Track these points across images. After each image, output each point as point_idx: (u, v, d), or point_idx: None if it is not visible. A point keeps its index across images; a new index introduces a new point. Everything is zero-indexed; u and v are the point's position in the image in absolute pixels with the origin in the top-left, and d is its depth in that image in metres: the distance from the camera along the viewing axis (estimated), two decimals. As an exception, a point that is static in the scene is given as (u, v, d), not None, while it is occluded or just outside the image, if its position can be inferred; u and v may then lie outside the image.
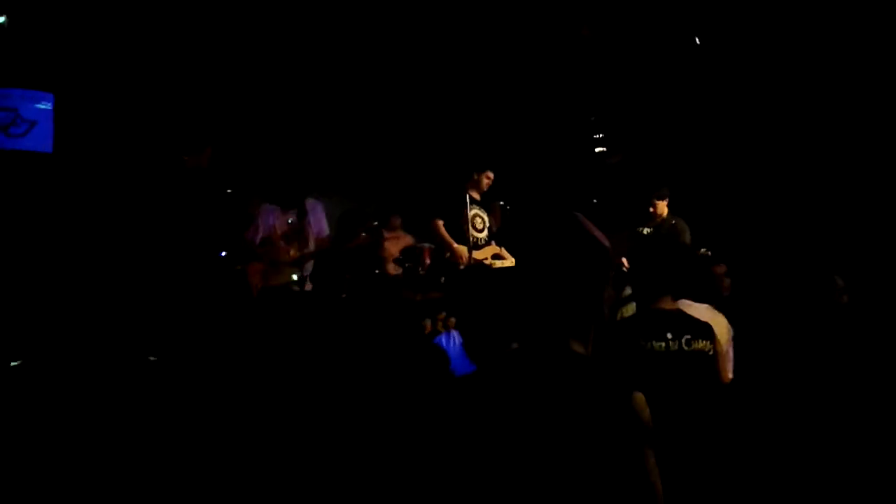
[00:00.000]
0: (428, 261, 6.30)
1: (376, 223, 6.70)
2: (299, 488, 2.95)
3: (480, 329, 3.93)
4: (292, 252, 5.78)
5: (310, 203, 5.90)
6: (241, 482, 3.08)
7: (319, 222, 5.98)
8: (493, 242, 6.25)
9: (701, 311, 3.33)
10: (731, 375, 3.61)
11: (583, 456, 1.45)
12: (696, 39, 6.39)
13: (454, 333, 3.96)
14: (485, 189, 6.23)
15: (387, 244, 7.11)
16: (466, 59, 6.70)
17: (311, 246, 5.82)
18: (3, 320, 4.59)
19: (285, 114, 6.64)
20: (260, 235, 5.81)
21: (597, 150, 6.91)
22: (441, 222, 6.19)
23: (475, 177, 6.17)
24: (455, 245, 6.12)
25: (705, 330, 3.00)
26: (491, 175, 6.19)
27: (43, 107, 5.08)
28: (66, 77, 5.23)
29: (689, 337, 2.94)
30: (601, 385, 1.54)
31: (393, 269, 6.93)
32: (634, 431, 1.49)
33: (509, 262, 6.11)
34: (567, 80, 6.90)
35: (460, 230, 6.19)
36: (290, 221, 5.82)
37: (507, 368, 1.62)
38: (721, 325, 3.48)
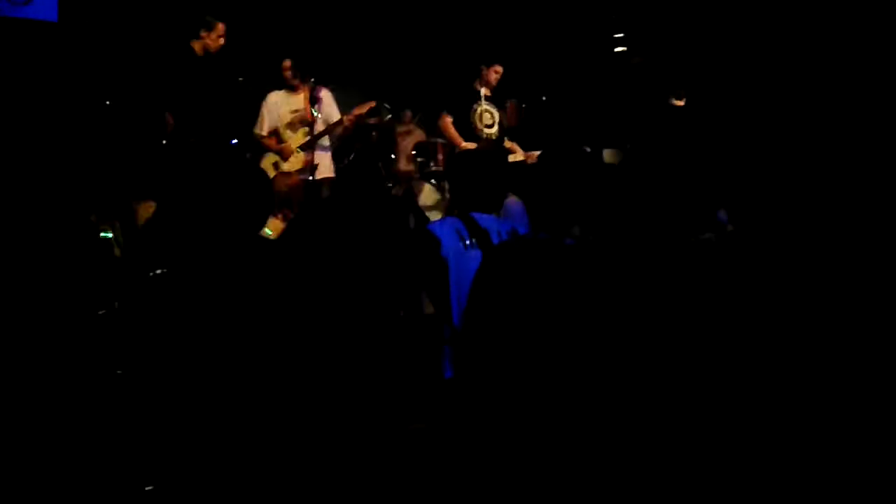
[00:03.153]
0: (441, 156, 6.32)
1: (389, 117, 6.73)
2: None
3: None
4: (299, 138, 5.86)
5: (320, 91, 5.91)
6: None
7: (330, 109, 6.00)
8: (505, 139, 6.22)
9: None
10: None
11: None
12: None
13: (450, 219, 3.99)
14: (494, 84, 6.15)
15: (400, 139, 7.15)
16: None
17: (320, 126, 5.87)
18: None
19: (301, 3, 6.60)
20: (266, 127, 5.91)
21: (616, 49, 6.74)
22: (450, 119, 6.17)
23: (483, 71, 6.11)
24: (463, 143, 6.12)
25: None
26: (500, 69, 6.10)
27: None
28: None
29: None
30: None
31: (406, 164, 6.99)
32: None
33: (520, 156, 6.09)
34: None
35: (470, 127, 6.19)
36: (293, 111, 5.86)
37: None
38: None
